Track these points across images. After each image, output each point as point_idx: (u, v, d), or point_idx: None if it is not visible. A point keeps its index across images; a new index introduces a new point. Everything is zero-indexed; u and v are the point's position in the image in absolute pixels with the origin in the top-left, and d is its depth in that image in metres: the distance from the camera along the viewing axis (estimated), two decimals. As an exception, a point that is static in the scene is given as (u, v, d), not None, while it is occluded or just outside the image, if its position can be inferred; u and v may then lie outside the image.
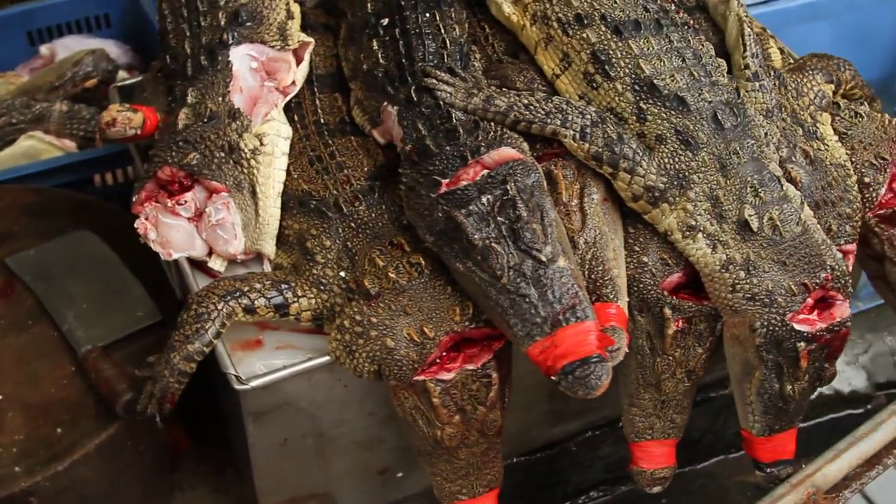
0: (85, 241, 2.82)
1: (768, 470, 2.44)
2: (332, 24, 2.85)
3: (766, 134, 2.35)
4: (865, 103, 2.64)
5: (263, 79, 2.59)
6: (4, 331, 2.62)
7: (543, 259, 2.11)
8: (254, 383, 2.26)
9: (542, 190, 2.21)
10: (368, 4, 2.63)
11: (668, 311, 2.32)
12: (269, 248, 2.45)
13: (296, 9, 2.72)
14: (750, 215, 2.25)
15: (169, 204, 2.41)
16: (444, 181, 2.23)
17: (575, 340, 2.05)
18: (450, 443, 2.24)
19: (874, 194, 2.49)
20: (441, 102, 2.39)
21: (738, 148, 2.29)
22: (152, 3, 3.64)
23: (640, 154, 2.30)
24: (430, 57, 2.48)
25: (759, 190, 2.27)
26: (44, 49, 3.63)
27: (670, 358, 2.36)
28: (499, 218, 2.15)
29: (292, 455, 2.46)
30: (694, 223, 2.29)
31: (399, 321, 2.20)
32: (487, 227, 2.14)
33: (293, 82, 2.61)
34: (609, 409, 2.88)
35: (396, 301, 2.22)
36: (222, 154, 2.41)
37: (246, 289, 2.33)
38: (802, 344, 2.24)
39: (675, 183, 2.29)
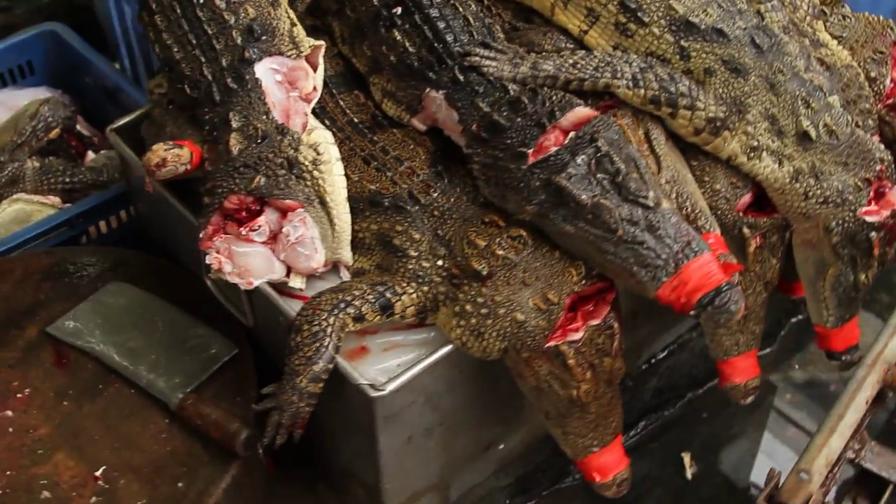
0: (121, 292, 2.72)
1: (843, 357, 2.64)
2: (320, 25, 2.82)
3: (793, 49, 2.50)
4: (846, 5, 2.84)
5: (288, 90, 2.55)
6: (77, 400, 2.51)
7: (651, 204, 2.19)
8: (390, 387, 2.26)
9: (626, 140, 2.29)
10: None
11: (746, 231, 2.46)
12: (347, 255, 2.43)
13: (293, 15, 2.68)
14: (807, 126, 2.41)
15: (243, 232, 2.36)
16: (529, 151, 2.28)
17: (701, 273, 2.15)
18: (586, 399, 2.30)
19: (881, 87, 2.69)
20: (490, 77, 2.43)
21: (780, 66, 2.43)
22: (81, 40, 3.49)
23: (696, 89, 2.41)
24: (460, 36, 2.50)
25: (809, 100, 2.42)
26: (-26, 111, 3.42)
27: (752, 274, 2.51)
28: (598, 175, 2.22)
29: (415, 451, 2.47)
30: (756, 144, 2.42)
31: (522, 294, 2.25)
32: (591, 186, 2.21)
33: (314, 88, 2.58)
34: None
35: (512, 275, 2.26)
36: (283, 171, 2.37)
37: (349, 298, 2.31)
38: (874, 234, 2.42)
39: (734, 109, 2.41)
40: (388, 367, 2.36)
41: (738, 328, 2.56)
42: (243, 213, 2.38)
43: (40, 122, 3.12)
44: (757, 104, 2.42)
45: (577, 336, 2.26)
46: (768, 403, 3.39)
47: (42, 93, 3.44)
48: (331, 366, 2.26)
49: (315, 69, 2.60)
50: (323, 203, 2.40)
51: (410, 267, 2.36)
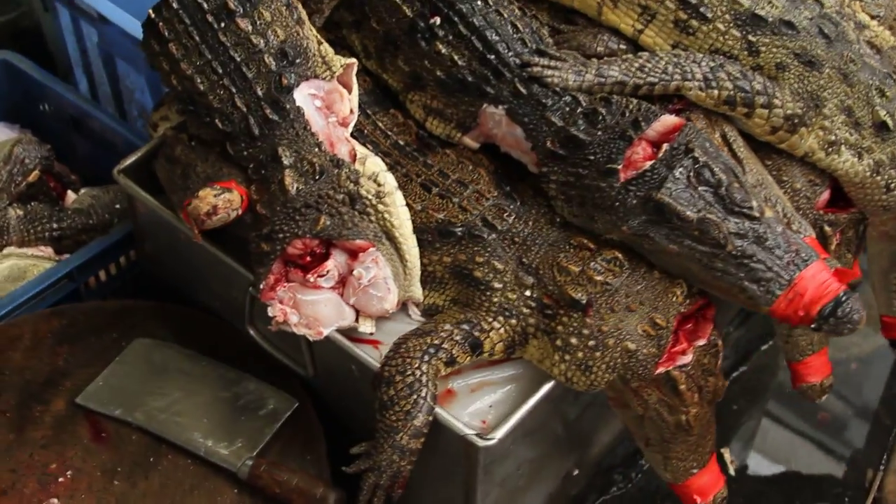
0: (150, 350, 2.48)
1: None
2: (334, 39, 2.59)
3: (852, 35, 2.41)
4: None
5: (326, 115, 2.34)
6: (129, 478, 2.27)
7: (756, 215, 2.07)
8: (499, 435, 2.09)
9: (718, 148, 2.17)
10: (404, 8, 2.41)
11: (828, 229, 2.37)
12: (418, 292, 2.25)
13: (315, 31, 2.45)
14: (884, 115, 2.33)
15: (311, 279, 2.14)
16: (619, 167, 2.13)
17: (816, 283, 2.04)
18: (695, 423, 2.19)
19: None
20: (556, 88, 2.26)
21: (850, 55, 2.34)
22: (36, 67, 3.16)
23: (771, 86, 2.30)
24: (513, 45, 2.32)
25: (883, 89, 2.34)
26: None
27: None
28: (700, 188, 2.09)
29: (505, 494, 2.31)
30: (834, 138, 2.33)
31: (629, 321, 2.10)
32: (694, 200, 2.07)
33: (350, 111, 2.37)
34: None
35: (615, 302, 2.11)
36: (346, 208, 2.17)
37: (438, 342, 2.13)
38: None
39: (810, 104, 2.31)
40: (479, 409, 2.20)
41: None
42: (307, 259, 2.17)
43: (16, 166, 2.80)
44: (833, 97, 2.33)
45: (687, 359, 2.14)
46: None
47: (2, 131, 3.11)
48: (430, 418, 2.08)
49: (349, 90, 2.39)
50: (391, 238, 2.21)
51: (496, 300, 2.19)
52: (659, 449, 2.26)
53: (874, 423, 3.12)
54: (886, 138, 2.34)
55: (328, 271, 2.14)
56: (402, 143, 2.40)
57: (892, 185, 2.34)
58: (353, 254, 2.16)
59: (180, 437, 2.30)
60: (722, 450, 3.16)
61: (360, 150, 2.29)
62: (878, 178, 2.34)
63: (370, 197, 2.20)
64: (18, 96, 3.21)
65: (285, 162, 2.19)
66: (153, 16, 2.37)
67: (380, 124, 2.43)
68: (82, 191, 2.98)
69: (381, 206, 2.20)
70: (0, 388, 2.39)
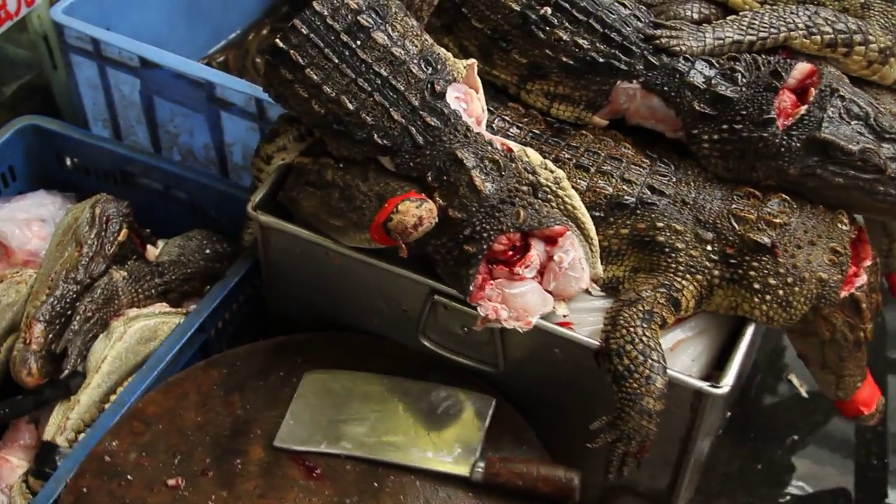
0: (323, 381, 2.45)
1: None
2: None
3: None
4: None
5: (470, 116, 2.38)
6: (363, 510, 2.24)
7: None
8: (729, 382, 2.20)
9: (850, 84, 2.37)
10: (510, 3, 2.47)
11: None
12: (600, 267, 2.33)
13: (427, 35, 2.49)
14: None
15: (518, 271, 2.19)
16: (774, 116, 2.29)
17: None
18: (870, 336, 2.38)
19: None
20: (684, 55, 2.39)
21: None
22: (65, 124, 3.02)
23: (863, 24, 2.51)
24: (630, 20, 2.43)
25: None
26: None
27: None
28: (853, 122, 2.28)
29: (705, 442, 2.44)
30: None
31: (815, 253, 2.27)
32: (852, 134, 2.26)
33: (483, 109, 2.43)
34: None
35: (798, 239, 2.27)
36: (534, 199, 2.23)
37: (648, 307, 2.23)
38: None
39: None
40: (684, 365, 2.32)
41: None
42: (509, 253, 2.21)
43: (104, 227, 2.68)
44: None
45: (863, 280, 2.33)
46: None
47: (38, 198, 2.95)
48: (667, 378, 2.18)
49: (476, 90, 2.44)
50: (574, 220, 2.28)
51: (681, 260, 2.30)
52: (834, 370, 2.45)
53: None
54: None
55: (532, 261, 2.20)
56: (536, 131, 2.47)
57: None
58: (551, 240, 2.23)
59: (398, 457, 2.29)
60: (789, 377, 3.40)
61: (512, 144, 2.35)
62: None
63: (549, 184, 2.26)
64: (48, 160, 3.06)
65: (468, 164, 2.23)
66: (281, 45, 2.34)
67: (506, 118, 2.49)
68: (161, 242, 2.88)
69: (560, 191, 2.27)
70: (190, 450, 2.31)
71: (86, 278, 2.60)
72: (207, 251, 2.82)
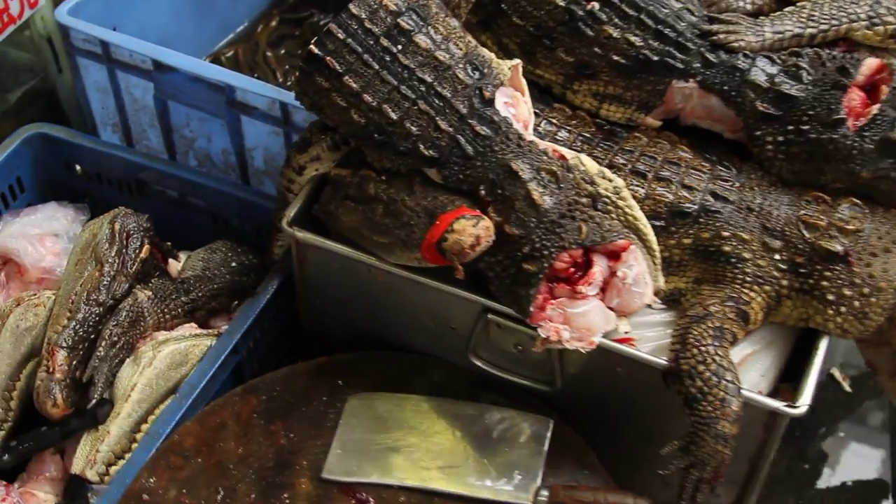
0: (369, 404, 2.32)
1: None
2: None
3: None
4: None
5: (518, 121, 2.24)
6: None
7: None
8: (806, 401, 2.09)
9: None
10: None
11: None
12: (661, 279, 2.21)
13: (467, 35, 2.34)
14: None
15: (580, 289, 2.06)
16: (844, 116, 2.16)
17: None
18: None
19: None
20: (743, 51, 2.26)
21: None
22: (73, 131, 2.86)
23: None
24: (684, 15, 2.28)
25: None
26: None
27: None
28: None
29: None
30: None
31: (892, 261, 2.15)
32: None
33: (530, 112, 2.29)
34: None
35: (872, 246, 2.15)
36: (594, 211, 2.10)
37: (717, 323, 2.11)
38: None
39: None
40: (753, 381, 2.20)
41: None
42: (571, 270, 2.08)
43: (125, 244, 2.52)
44: None
45: None
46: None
47: (50, 210, 2.79)
48: (743, 399, 2.06)
49: (522, 92, 2.30)
50: (636, 231, 2.15)
51: (748, 270, 2.18)
52: None
53: None
54: None
55: (594, 278, 2.07)
56: (587, 135, 2.33)
57: None
58: (613, 255, 2.10)
59: (454, 486, 2.16)
60: (832, 370, 3.31)
61: (565, 151, 2.21)
62: None
63: (609, 194, 2.13)
64: (57, 171, 2.90)
65: (524, 176, 2.09)
66: (316, 51, 2.19)
67: (553, 121, 2.35)
68: (183, 255, 2.73)
69: (620, 202, 2.14)
70: (234, 485, 2.18)
71: (108, 299, 2.45)
72: (233, 264, 2.68)
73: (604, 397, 2.27)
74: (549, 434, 2.24)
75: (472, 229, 2.02)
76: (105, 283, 2.46)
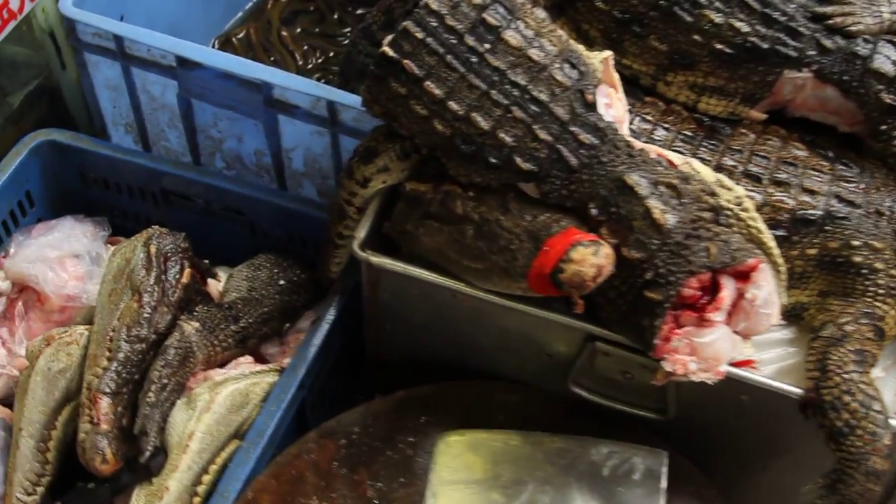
0: (465, 446, 2.07)
1: None
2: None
3: None
4: None
5: (616, 121, 2.00)
6: None
7: None
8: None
9: None
10: None
11: None
12: (784, 295, 1.99)
13: (549, 26, 2.08)
14: None
15: (708, 317, 1.84)
16: None
17: None
18: None
19: None
20: (861, 36, 2.03)
21: None
22: (85, 137, 2.57)
23: None
24: (792, -2, 2.06)
25: None
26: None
27: None
28: None
29: None
30: None
31: None
32: None
33: (625, 110, 2.05)
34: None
35: None
36: (718, 227, 1.87)
37: (856, 346, 1.91)
38: None
39: None
40: (889, 404, 1.99)
41: None
42: (698, 297, 1.85)
43: (163, 269, 2.24)
44: None
45: None
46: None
47: (66, 225, 2.50)
48: (893, 431, 1.86)
49: (615, 87, 2.05)
50: (761, 246, 1.92)
51: (881, 282, 1.97)
52: None
53: None
54: None
55: (722, 303, 1.85)
56: (687, 133, 2.09)
57: None
58: (742, 275, 1.87)
59: (568, 524, 1.96)
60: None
61: (673, 156, 1.97)
62: None
63: (732, 206, 1.90)
64: (68, 181, 2.60)
65: (642, 191, 1.85)
66: (391, 53, 1.91)
67: (648, 118, 2.11)
68: (222, 273, 2.47)
69: (743, 214, 1.90)
70: (321, 547, 1.95)
71: (151, 334, 2.17)
72: (281, 282, 2.41)
73: (722, 425, 2.06)
74: (664, 468, 2.03)
75: (593, 258, 1.78)
76: (146, 315, 2.19)
